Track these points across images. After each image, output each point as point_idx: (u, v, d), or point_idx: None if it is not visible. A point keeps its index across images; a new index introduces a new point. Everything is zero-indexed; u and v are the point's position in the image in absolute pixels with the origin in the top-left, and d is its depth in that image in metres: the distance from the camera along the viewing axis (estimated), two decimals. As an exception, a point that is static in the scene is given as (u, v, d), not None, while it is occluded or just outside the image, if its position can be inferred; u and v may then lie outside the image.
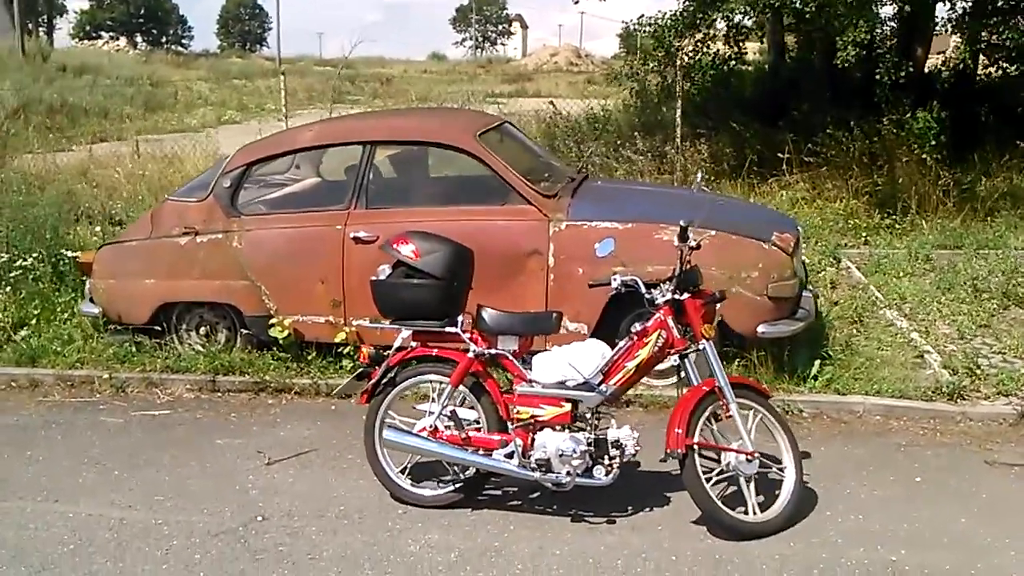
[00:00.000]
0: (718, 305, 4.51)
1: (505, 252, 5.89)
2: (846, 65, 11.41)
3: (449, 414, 4.51)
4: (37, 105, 24.29)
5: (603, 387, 4.35)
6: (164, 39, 59.80)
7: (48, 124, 23.00)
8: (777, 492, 4.42)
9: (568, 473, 4.32)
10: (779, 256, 5.77)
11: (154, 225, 6.47)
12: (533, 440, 4.39)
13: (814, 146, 11.53)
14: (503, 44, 70.50)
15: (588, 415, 4.39)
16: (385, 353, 4.60)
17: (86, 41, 48.94)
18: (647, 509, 4.52)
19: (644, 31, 12.56)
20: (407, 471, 4.73)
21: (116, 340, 6.52)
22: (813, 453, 5.17)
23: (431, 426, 4.53)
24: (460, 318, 4.50)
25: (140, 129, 22.38)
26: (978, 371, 6.04)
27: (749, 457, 4.30)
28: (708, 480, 4.27)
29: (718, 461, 4.37)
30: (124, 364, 6.39)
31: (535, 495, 4.63)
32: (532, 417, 4.40)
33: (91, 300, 6.64)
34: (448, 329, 4.49)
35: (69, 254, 7.54)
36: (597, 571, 4.02)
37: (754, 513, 4.30)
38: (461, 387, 4.53)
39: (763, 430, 4.47)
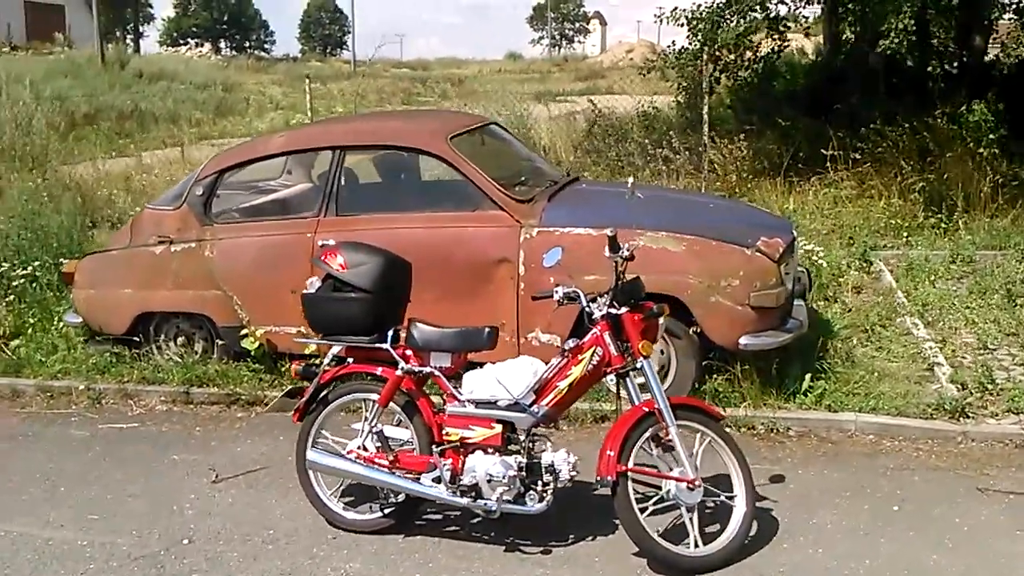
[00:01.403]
0: (661, 320, 4.17)
1: (475, 260, 5.65)
2: (896, 55, 10.85)
3: (377, 434, 4.28)
4: (108, 111, 24.93)
5: (535, 408, 4.07)
6: (247, 44, 61.07)
7: (117, 130, 23.62)
8: (726, 523, 4.08)
9: (498, 499, 4.05)
10: (763, 263, 5.39)
11: (133, 234, 6.42)
12: (463, 464, 4.14)
13: (861, 142, 10.98)
14: (580, 42, 70.04)
15: (522, 437, 4.11)
16: (315, 369, 4.40)
17: (170, 48, 50.04)
18: (588, 539, 4.22)
19: (679, 23, 12.11)
20: (344, 493, 4.52)
21: (97, 350, 6.48)
22: (789, 476, 4.80)
23: (360, 447, 4.32)
24: (390, 333, 4.27)
25: (207, 134, 22.76)
26: (991, 386, 5.57)
27: (690, 485, 3.97)
28: (644, 510, 3.95)
29: (659, 488, 4.05)
30: (104, 375, 6.34)
31: (475, 521, 4.36)
32: (462, 439, 4.15)
33: (74, 310, 6.61)
34: (377, 345, 4.26)
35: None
36: (513, 608, 3.74)
37: (696, 546, 3.96)
38: (393, 406, 4.31)
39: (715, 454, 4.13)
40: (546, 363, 4.17)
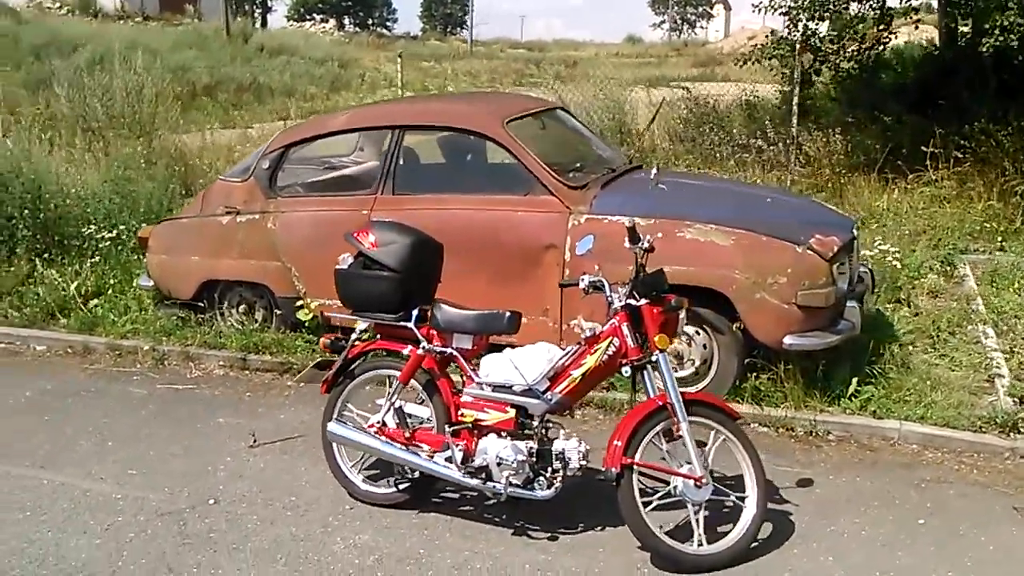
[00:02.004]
0: (682, 315, 4.12)
1: (524, 244, 5.67)
2: (1007, 52, 10.34)
3: (397, 411, 4.37)
4: (228, 83, 25.77)
5: (548, 395, 4.08)
6: (370, 22, 62.17)
7: (234, 102, 24.41)
8: (734, 523, 4.02)
9: (506, 482, 4.09)
10: (813, 261, 5.25)
11: (204, 204, 6.65)
12: (476, 445, 4.18)
13: (965, 140, 10.53)
14: (702, 27, 68.74)
15: (535, 423, 4.13)
16: (344, 344, 4.51)
17: (297, 23, 51.31)
18: (597, 528, 4.22)
19: (779, 12, 11.80)
20: (369, 467, 4.63)
21: (166, 313, 6.75)
22: (819, 481, 4.69)
23: (379, 422, 4.41)
24: (415, 312, 4.33)
25: (317, 109, 23.28)
26: (1051, 402, 5.32)
27: (698, 482, 3.92)
28: (649, 504, 3.93)
29: (667, 484, 4.01)
30: (169, 337, 6.60)
31: (489, 503, 4.42)
32: (476, 421, 4.20)
33: (147, 274, 6.91)
34: (402, 323, 4.34)
35: (148, 228, 7.85)
36: (507, 591, 3.78)
37: (701, 544, 3.92)
38: (415, 384, 4.38)
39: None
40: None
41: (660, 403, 3.95)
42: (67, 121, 12.72)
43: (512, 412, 4.13)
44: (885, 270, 7.29)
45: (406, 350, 4.35)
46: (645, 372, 4.03)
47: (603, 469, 3.92)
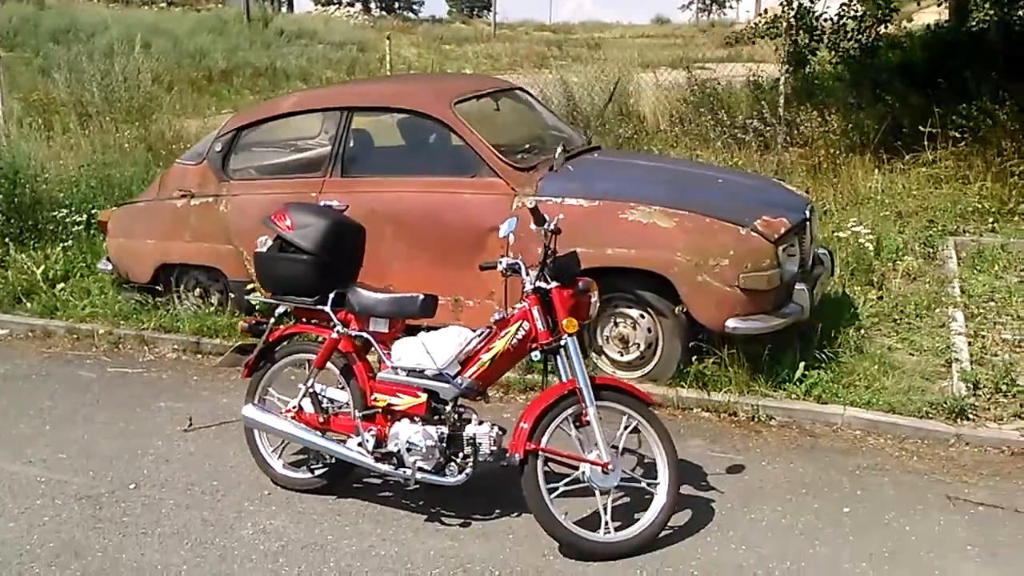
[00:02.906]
0: (594, 298, 4.02)
1: (469, 226, 5.60)
2: (1006, 28, 10.09)
3: (312, 395, 4.32)
4: (245, 68, 25.82)
5: (459, 379, 4.01)
6: (396, 5, 62.06)
7: (249, 86, 24.45)
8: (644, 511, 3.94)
9: (415, 468, 4.03)
10: (756, 243, 5.12)
11: (161, 187, 6.64)
12: (389, 431, 4.13)
13: (964, 119, 10.29)
14: (731, 7, 67.94)
15: (447, 408, 4.06)
16: (263, 327, 4.46)
17: (324, 7, 51.28)
18: (513, 515, 4.14)
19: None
20: (297, 452, 4.58)
21: (125, 297, 6.75)
22: (751, 468, 4.59)
23: (296, 407, 4.36)
24: (331, 296, 4.27)
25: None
26: (1005, 387, 5.17)
27: (604, 469, 3.84)
28: (554, 490, 3.85)
29: (576, 468, 3.93)
30: (127, 320, 6.60)
31: (411, 489, 4.37)
32: (389, 405, 4.14)
33: (107, 258, 6.91)
34: (318, 307, 4.28)
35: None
36: (403, 578, 3.72)
37: (606, 531, 3.84)
38: (332, 367, 4.32)
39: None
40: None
41: (569, 388, 3.86)
42: (65, 106, 12.77)
43: (424, 397, 4.07)
44: (857, 252, 7.13)
45: (319, 333, 4.30)
46: (558, 356, 3.94)
47: (507, 455, 3.85)
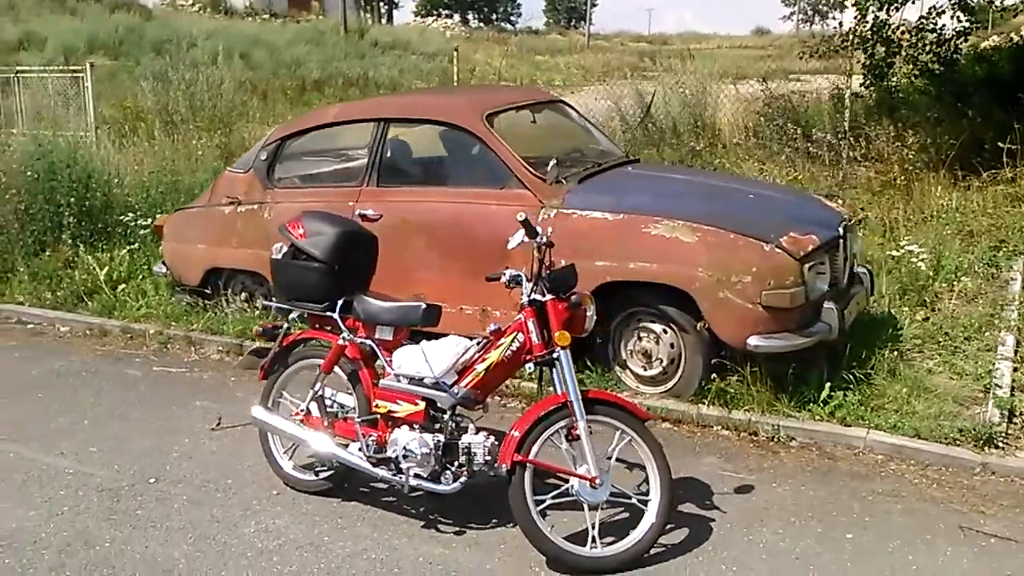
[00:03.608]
0: (589, 312, 4.02)
1: (496, 238, 5.54)
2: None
3: (318, 399, 4.43)
4: (337, 78, 26.42)
5: (455, 388, 4.06)
6: (494, 17, 62.67)
7: (340, 96, 24.99)
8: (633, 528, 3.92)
9: (415, 475, 4.09)
10: (780, 260, 5.04)
11: (212, 193, 6.87)
12: (389, 437, 4.20)
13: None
14: (834, 17, 66.18)
15: (445, 416, 4.11)
16: (278, 332, 4.59)
17: (424, 18, 52.23)
18: (509, 525, 4.14)
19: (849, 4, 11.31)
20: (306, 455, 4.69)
21: (177, 299, 7.00)
22: (761, 489, 4.51)
23: (304, 410, 4.47)
24: (340, 303, 4.36)
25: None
26: (1044, 416, 4.97)
27: (593, 483, 3.83)
28: (541, 503, 3.86)
29: (566, 482, 3.94)
30: (177, 322, 6.84)
31: (416, 496, 4.40)
32: (389, 412, 4.21)
33: (162, 261, 7.17)
34: (327, 314, 4.38)
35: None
36: (388, 582, 3.78)
37: (593, 546, 3.83)
38: (339, 373, 4.42)
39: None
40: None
41: (560, 401, 3.87)
42: (151, 113, 13.29)
43: (422, 405, 4.13)
44: (911, 271, 6.93)
45: (333, 340, 4.40)
46: (553, 369, 3.95)
47: (496, 465, 3.88)
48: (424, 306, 4.24)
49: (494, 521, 4.20)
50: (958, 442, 4.80)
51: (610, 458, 3.93)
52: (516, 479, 3.82)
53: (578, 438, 3.84)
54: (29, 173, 8.36)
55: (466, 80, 29.71)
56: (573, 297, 3.95)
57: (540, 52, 40.09)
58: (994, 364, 5.68)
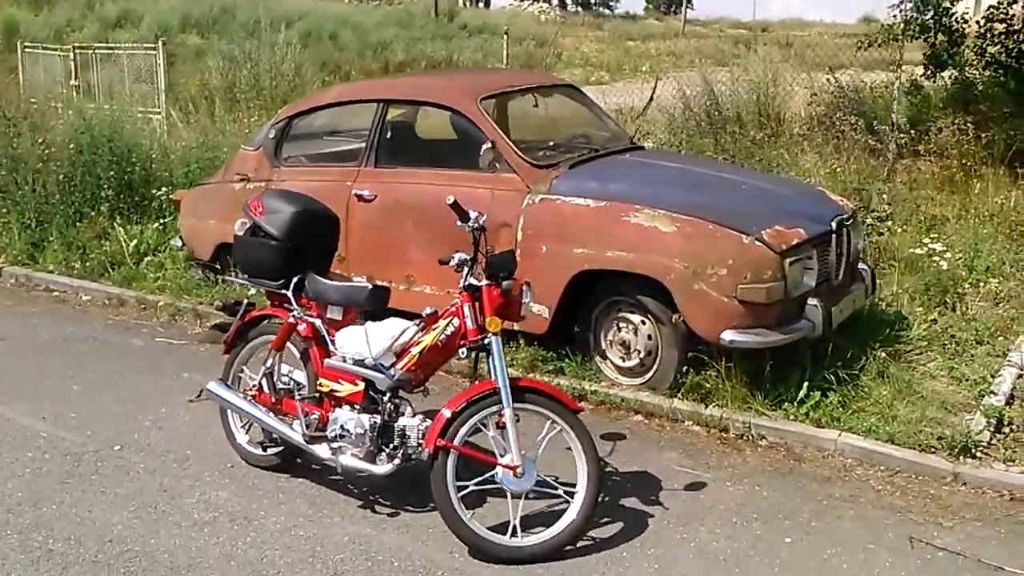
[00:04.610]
0: (525, 299, 3.96)
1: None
2: None
3: (267, 376, 4.47)
4: (420, 60, 26.59)
5: (391, 370, 4.05)
6: (592, 2, 62.10)
7: (420, 78, 25.17)
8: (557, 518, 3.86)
9: (352, 455, 4.10)
10: (759, 253, 4.88)
11: (226, 170, 6.99)
12: (330, 416, 4.22)
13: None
14: (945, 5, 63.49)
15: (385, 398, 4.10)
16: (238, 307, 4.65)
17: (514, 3, 52.13)
18: (444, 510, 4.14)
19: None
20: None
21: (191, 273, 7.15)
22: (714, 487, 4.40)
23: (256, 386, 4.52)
24: (294, 280, 4.39)
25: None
26: (1033, 427, 4.71)
27: (515, 472, 3.78)
28: (463, 488, 3.83)
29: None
30: (188, 295, 7.00)
31: (361, 476, 4.43)
32: (332, 391, 4.23)
33: (179, 236, 7.34)
34: (282, 291, 4.42)
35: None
36: (304, 558, 3.80)
37: (513, 535, 3.79)
38: (292, 349, 4.46)
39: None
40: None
41: (489, 388, 3.83)
42: (217, 91, 13.59)
43: (362, 385, 4.13)
44: (934, 271, 6.65)
45: (285, 316, 4.43)
46: (489, 355, 3.91)
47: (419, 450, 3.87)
48: (370, 287, 4.25)
49: (431, 505, 4.13)
50: (933, 449, 4.59)
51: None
52: (438, 464, 3.80)
53: (504, 426, 3.79)
54: (72, 146, 8.61)
55: (551, 66, 29.70)
56: (504, 283, 3.89)
57: (632, 38, 39.58)
58: (998, 371, 5.40)
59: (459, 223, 3.95)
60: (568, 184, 5.45)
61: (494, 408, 3.82)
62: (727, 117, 12.48)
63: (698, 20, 53.38)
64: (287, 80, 13.43)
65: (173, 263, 7.48)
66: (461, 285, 3.97)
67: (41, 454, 4.73)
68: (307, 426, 4.26)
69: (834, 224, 5.30)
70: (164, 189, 8.52)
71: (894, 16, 11.18)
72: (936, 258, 6.70)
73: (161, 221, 8.32)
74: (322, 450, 4.18)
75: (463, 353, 3.97)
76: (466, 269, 3.96)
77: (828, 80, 12.73)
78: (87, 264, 7.78)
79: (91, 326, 6.79)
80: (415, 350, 4.01)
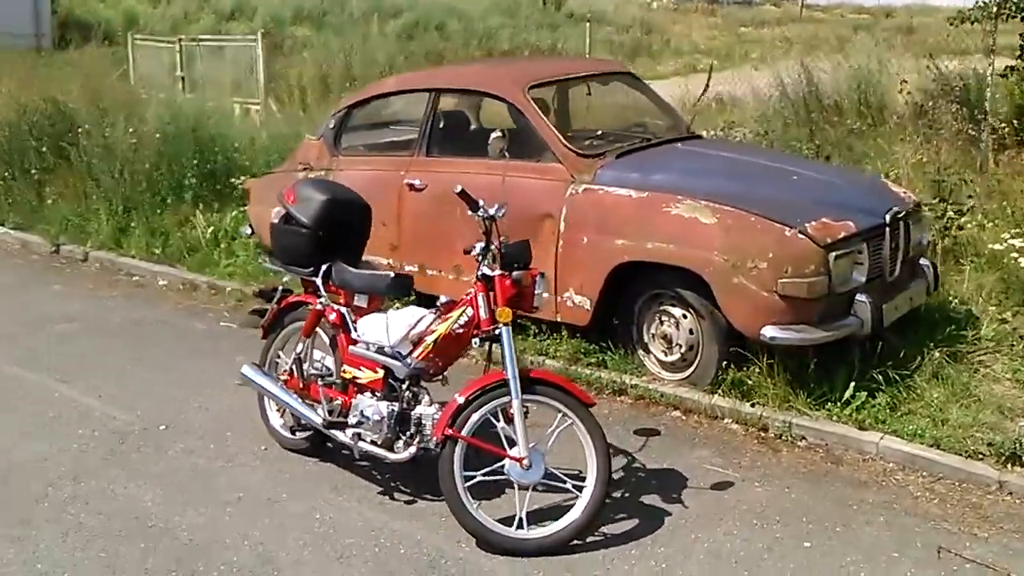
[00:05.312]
0: (538, 289, 3.93)
1: (527, 211, 5.53)
2: None
3: (296, 362, 4.55)
4: (524, 48, 26.60)
5: (408, 359, 4.07)
6: (711, -11, 60.94)
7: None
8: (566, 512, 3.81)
9: (371, 441, 4.15)
10: (802, 246, 4.71)
11: (291, 159, 7.13)
12: (352, 402, 4.27)
13: None
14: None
15: (403, 386, 4.13)
16: (274, 293, 4.75)
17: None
18: (461, 499, 4.14)
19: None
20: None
21: (261, 260, 7.32)
22: (741, 487, 4.28)
23: (288, 370, 4.61)
24: (323, 268, 4.45)
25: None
26: (1093, 436, 4.42)
27: (522, 464, 3.76)
28: (471, 479, 3.82)
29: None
30: (257, 281, 7.17)
31: (388, 463, 4.46)
32: (354, 378, 4.28)
33: (249, 224, 7.51)
34: (312, 278, 4.49)
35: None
36: (315, 541, 3.87)
37: (519, 527, 3.76)
38: (322, 336, 4.53)
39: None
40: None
41: (498, 379, 3.81)
42: (312, 81, 13.90)
43: (381, 373, 4.16)
44: (1013, 269, 6.30)
45: (313, 302, 4.50)
46: (501, 344, 3.89)
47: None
48: (392, 275, 4.27)
49: (448, 494, 4.18)
50: (980, 456, 4.36)
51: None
52: (446, 453, 3.80)
53: (512, 417, 3.77)
54: (158, 136, 8.93)
55: (658, 53, 29.34)
56: (514, 273, 3.85)
57: (746, 24, 38.73)
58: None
59: (469, 212, 3.93)
60: (612, 174, 5.38)
61: (503, 399, 3.80)
62: (825, 106, 12.10)
63: (818, 6, 51.82)
64: (379, 70, 13.62)
65: (244, 250, 7.68)
66: (477, 275, 3.95)
67: (91, 431, 4.92)
68: (330, 411, 4.33)
69: (888, 217, 5.07)
70: (243, 178, 8.74)
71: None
72: (1016, 254, 6.33)
73: (240, 209, 8.53)
74: (341, 435, 4.23)
75: (476, 343, 3.96)
76: (480, 259, 3.94)
77: (928, 67, 12.21)
78: (167, 250, 8.05)
79: (161, 310, 7.03)
80: (429, 339, 4.02)
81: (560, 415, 3.84)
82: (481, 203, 3.91)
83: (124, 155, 8.95)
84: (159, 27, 23.72)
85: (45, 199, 9.31)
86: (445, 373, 4.18)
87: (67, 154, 9.36)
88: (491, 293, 3.90)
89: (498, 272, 3.88)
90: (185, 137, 8.93)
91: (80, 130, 9.35)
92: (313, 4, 28.76)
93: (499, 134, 4.20)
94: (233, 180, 8.79)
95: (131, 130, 9.04)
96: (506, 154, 4.14)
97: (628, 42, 29.76)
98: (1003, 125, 9.39)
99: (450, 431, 3.78)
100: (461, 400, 3.81)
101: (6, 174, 9.73)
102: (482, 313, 3.90)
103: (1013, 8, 9.89)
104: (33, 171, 9.54)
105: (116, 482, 4.38)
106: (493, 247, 3.92)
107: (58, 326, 6.63)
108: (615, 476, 4.29)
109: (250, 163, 9.20)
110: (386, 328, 4.14)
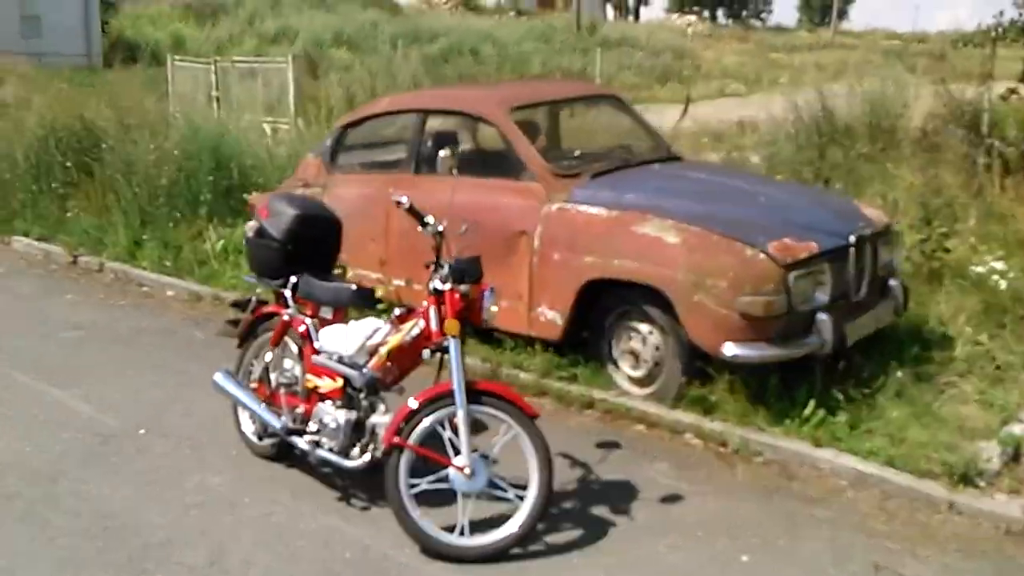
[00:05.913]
0: (486, 303, 4.06)
1: (504, 229, 5.71)
2: None
3: (264, 370, 4.72)
4: (555, 72, 26.82)
5: (364, 368, 4.22)
6: (744, 13, 60.90)
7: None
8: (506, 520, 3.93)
9: (328, 449, 4.30)
10: (762, 266, 4.79)
11: (293, 176, 7.35)
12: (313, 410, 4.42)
13: None
14: None
15: (361, 395, 4.28)
16: (248, 303, 4.93)
17: (674, 14, 51.84)
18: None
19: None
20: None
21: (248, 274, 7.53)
22: (690, 501, 4.37)
23: (257, 378, 4.78)
24: (292, 280, 4.62)
25: (635, 99, 23.57)
26: (1049, 457, 4.44)
27: (464, 473, 3.88)
28: (415, 486, 3.95)
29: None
30: (258, 292, 7.36)
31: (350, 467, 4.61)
32: (316, 387, 4.43)
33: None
34: (281, 289, 4.66)
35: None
36: (268, 541, 4.03)
37: (460, 535, 3.88)
38: (292, 345, 4.69)
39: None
40: None
41: (445, 389, 3.94)
42: (337, 103, 14.17)
43: (340, 382, 4.31)
44: (993, 290, 6.31)
45: (282, 313, 4.68)
46: (448, 357, 4.02)
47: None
48: (355, 288, 4.43)
49: (405, 501, 4.31)
50: (933, 475, 4.39)
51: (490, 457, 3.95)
52: (392, 461, 3.94)
53: (457, 427, 3.89)
54: (176, 153, 9.22)
55: (686, 78, 29.32)
56: (461, 287, 3.99)
57: (777, 49, 38.60)
58: (1030, 395, 5.11)
59: (419, 228, 4.08)
60: (586, 193, 5.50)
61: (450, 409, 3.92)
62: (837, 129, 12.10)
63: (851, 31, 51.59)
64: (402, 91, 13.86)
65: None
66: (428, 288, 4.09)
67: (74, 434, 5.13)
68: (293, 419, 4.48)
69: (853, 238, 5.13)
70: (254, 193, 8.98)
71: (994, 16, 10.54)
72: (997, 276, 6.34)
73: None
74: (300, 441, 4.38)
75: (426, 355, 4.09)
76: (432, 273, 4.08)
77: (938, 91, 12.17)
78: (178, 263, 8.30)
79: (166, 319, 7.27)
80: (383, 350, 4.16)
81: (505, 425, 3.96)
82: (428, 218, 4.06)
83: (145, 171, 9.24)
84: (204, 49, 24.28)
85: (68, 212, 9.64)
86: (401, 383, 4.31)
87: (91, 169, 9.71)
88: (442, 306, 4.03)
89: (448, 286, 4.01)
90: (204, 154, 9.19)
91: (104, 146, 9.69)
92: (354, 28, 29.24)
93: (447, 152, 4.35)
94: (245, 196, 9.01)
95: (152, 147, 9.34)
96: (454, 172, 4.28)
97: (657, 67, 29.84)
98: (1010, 148, 9.34)
99: (397, 439, 3.92)
100: (409, 408, 3.94)
101: (33, 187, 10.10)
102: (433, 325, 4.05)
103: (1016, 32, 9.88)
104: (58, 185, 9.89)
105: (90, 483, 4.57)
106: (443, 262, 4.06)
107: (64, 333, 6.88)
108: (569, 488, 4.41)
109: (264, 180, 9.43)
110: (345, 338, 4.30)
